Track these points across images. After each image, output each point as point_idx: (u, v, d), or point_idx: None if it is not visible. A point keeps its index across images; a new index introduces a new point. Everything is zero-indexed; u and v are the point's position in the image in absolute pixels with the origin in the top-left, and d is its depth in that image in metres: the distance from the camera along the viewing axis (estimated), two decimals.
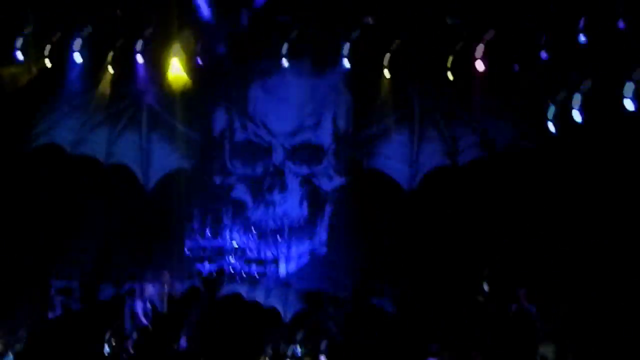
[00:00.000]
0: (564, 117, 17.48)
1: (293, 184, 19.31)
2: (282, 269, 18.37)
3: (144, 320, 17.80)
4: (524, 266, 17.11)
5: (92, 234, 18.26)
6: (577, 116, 17.05)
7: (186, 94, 18.94)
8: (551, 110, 17.82)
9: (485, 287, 16.68)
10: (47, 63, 18.44)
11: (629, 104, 15.76)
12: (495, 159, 18.44)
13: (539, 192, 17.75)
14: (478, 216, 17.90)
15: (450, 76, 18.32)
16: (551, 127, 17.84)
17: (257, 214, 19.26)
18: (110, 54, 18.42)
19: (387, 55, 18.23)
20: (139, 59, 18.35)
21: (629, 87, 15.62)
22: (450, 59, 18.10)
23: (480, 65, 17.92)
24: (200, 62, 18.61)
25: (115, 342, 16.97)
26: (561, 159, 17.71)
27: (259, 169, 19.39)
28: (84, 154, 19.05)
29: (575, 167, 17.26)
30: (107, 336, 17.21)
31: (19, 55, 18.20)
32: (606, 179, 16.61)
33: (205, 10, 18.01)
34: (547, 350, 14.74)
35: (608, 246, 16.34)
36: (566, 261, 17.00)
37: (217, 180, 19.37)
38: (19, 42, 18.13)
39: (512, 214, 17.93)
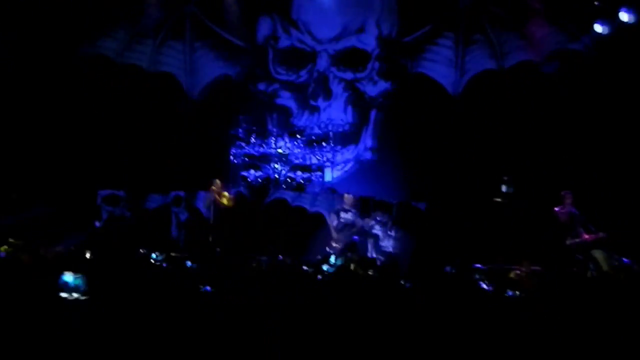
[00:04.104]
0: (612, 18, 17.32)
1: (337, 89, 19.29)
2: (328, 175, 18.39)
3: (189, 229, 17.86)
4: (568, 169, 17.09)
5: (138, 143, 18.33)
6: (624, 16, 16.90)
7: (230, 2, 18.88)
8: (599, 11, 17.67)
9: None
10: None
11: None
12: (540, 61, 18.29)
13: (587, 94, 17.65)
14: (523, 120, 17.85)
15: None
16: (599, 28, 17.66)
17: (301, 120, 19.36)
18: None
19: None
20: None
21: None
22: None
23: None
24: None
25: (162, 250, 17.04)
26: (610, 61, 17.53)
27: (303, 75, 19.40)
28: (129, 62, 19.09)
29: (626, 70, 17.09)
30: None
31: None
32: None
33: None
34: (597, 253, 14.73)
35: None
36: (611, 165, 16.98)
37: (261, 87, 19.39)
38: None
39: (558, 117, 17.86)
